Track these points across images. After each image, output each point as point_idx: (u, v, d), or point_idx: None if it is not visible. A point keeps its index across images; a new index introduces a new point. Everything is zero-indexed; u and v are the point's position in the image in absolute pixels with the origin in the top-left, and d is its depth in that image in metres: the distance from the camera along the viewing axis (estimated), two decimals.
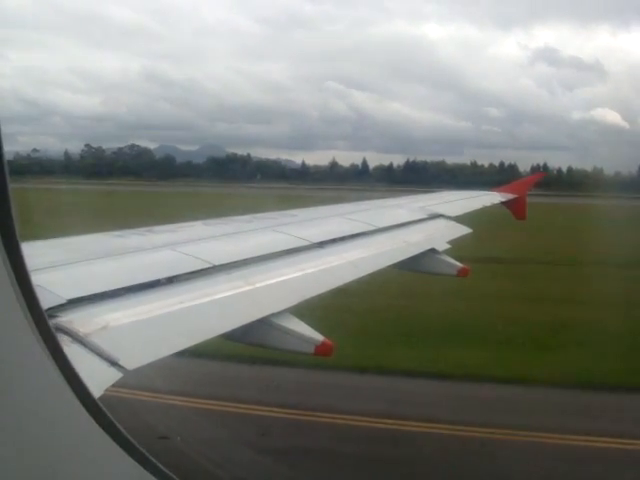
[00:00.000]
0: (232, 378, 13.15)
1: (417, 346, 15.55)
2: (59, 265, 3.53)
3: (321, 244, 5.51)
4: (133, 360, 2.81)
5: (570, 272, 27.10)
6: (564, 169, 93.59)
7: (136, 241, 4.57)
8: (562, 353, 15.38)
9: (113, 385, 2.62)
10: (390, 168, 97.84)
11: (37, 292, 1.89)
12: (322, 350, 4.01)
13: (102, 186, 77.35)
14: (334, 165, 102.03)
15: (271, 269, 4.54)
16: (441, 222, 8.62)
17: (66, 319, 2.83)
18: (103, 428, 1.95)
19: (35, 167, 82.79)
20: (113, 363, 2.69)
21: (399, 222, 7.63)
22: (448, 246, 7.53)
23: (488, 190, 14.17)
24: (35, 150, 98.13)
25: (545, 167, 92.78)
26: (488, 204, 12.08)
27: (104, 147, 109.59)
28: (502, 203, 13.13)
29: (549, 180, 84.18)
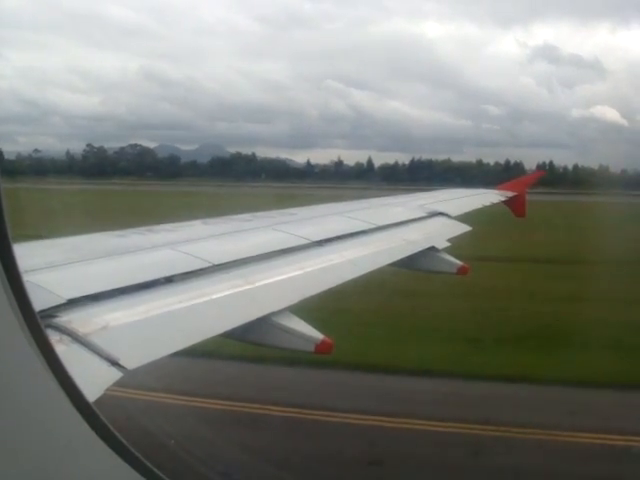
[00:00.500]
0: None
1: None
2: (58, 265, 3.53)
3: (320, 242, 5.51)
4: (133, 360, 2.81)
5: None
6: (566, 167, 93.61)
7: (136, 240, 4.57)
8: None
9: (113, 385, 2.62)
10: (395, 166, 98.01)
11: (35, 292, 1.88)
12: (322, 348, 4.00)
13: (106, 186, 77.39)
14: (339, 164, 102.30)
15: (271, 268, 4.54)
16: (441, 220, 8.61)
17: (66, 319, 2.83)
18: (96, 431, 1.94)
19: (37, 167, 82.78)
20: (113, 363, 2.68)
21: (399, 220, 7.62)
22: (448, 244, 7.52)
23: (493, 188, 14.21)
24: (37, 150, 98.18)
25: (551, 165, 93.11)
26: (487, 202, 12.08)
27: (105, 147, 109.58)
28: (502, 201, 13.14)
29: (555, 178, 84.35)
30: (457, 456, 10.27)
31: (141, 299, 3.38)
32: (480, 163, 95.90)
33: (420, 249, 6.84)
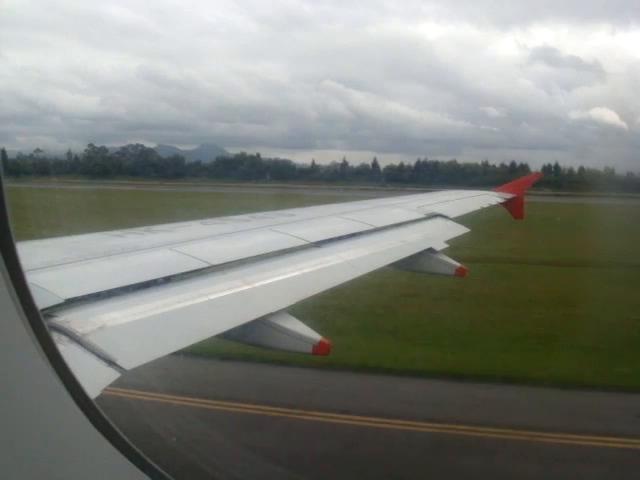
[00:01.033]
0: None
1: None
2: (57, 265, 3.53)
3: (318, 244, 5.52)
4: (131, 360, 2.81)
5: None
6: (572, 168, 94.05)
7: (134, 241, 4.57)
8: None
9: (110, 385, 2.62)
10: (398, 167, 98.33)
11: (33, 292, 1.89)
12: (320, 350, 4.01)
13: (111, 186, 77.34)
14: (344, 165, 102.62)
15: (269, 269, 4.55)
16: (439, 222, 8.62)
17: (64, 319, 2.83)
18: (98, 429, 1.95)
19: (40, 167, 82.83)
20: (111, 363, 2.69)
21: (397, 222, 7.63)
22: (446, 246, 7.53)
23: (492, 190, 14.23)
24: (38, 150, 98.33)
25: (557, 167, 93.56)
26: (485, 204, 12.09)
27: (105, 147, 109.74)
28: (500, 203, 13.14)
29: (561, 180, 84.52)
30: None
31: (139, 299, 3.39)
32: (486, 165, 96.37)
33: (418, 250, 6.85)
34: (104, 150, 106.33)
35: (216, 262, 4.22)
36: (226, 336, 3.68)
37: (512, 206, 13.71)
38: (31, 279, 2.63)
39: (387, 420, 11.22)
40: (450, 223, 8.78)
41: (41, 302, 2.76)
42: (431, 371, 13.86)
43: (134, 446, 2.05)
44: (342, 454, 10.05)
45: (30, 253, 3.71)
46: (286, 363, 12.54)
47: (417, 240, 7.20)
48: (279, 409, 11.52)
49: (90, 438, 1.94)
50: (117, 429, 2.01)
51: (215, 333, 3.49)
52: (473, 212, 10.74)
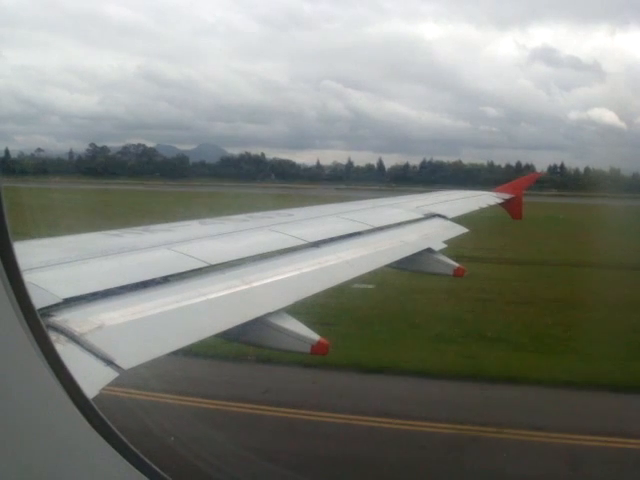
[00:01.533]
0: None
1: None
2: (55, 264, 3.53)
3: (317, 243, 5.52)
4: (129, 359, 2.81)
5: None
6: (578, 169, 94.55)
7: (132, 240, 4.57)
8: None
9: (109, 384, 2.62)
10: (405, 168, 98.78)
11: (32, 291, 1.88)
12: (318, 349, 4.01)
13: (114, 185, 77.23)
14: (349, 165, 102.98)
15: (267, 268, 4.54)
16: (437, 222, 8.62)
17: (62, 318, 2.83)
18: (96, 429, 1.94)
19: (41, 166, 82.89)
20: (109, 363, 2.69)
21: (395, 222, 7.63)
22: (444, 246, 7.54)
23: (491, 190, 14.24)
24: (39, 149, 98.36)
25: (562, 167, 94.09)
26: (484, 204, 12.10)
27: (107, 146, 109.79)
28: (498, 203, 13.16)
29: (567, 181, 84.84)
30: None
31: (137, 299, 3.38)
32: (491, 165, 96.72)
33: (417, 250, 6.86)
34: (106, 150, 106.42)
35: (215, 262, 4.22)
36: (224, 336, 3.69)
37: (510, 206, 13.73)
38: (30, 278, 2.64)
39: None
40: (448, 223, 8.78)
41: (39, 301, 2.76)
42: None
43: (132, 446, 2.05)
44: None
45: (27, 252, 3.70)
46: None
47: (415, 240, 7.21)
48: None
49: (87, 438, 1.93)
50: (114, 429, 2.00)
51: (213, 333, 3.49)
52: (472, 212, 10.75)
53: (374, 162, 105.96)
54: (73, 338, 2.71)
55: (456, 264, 7.18)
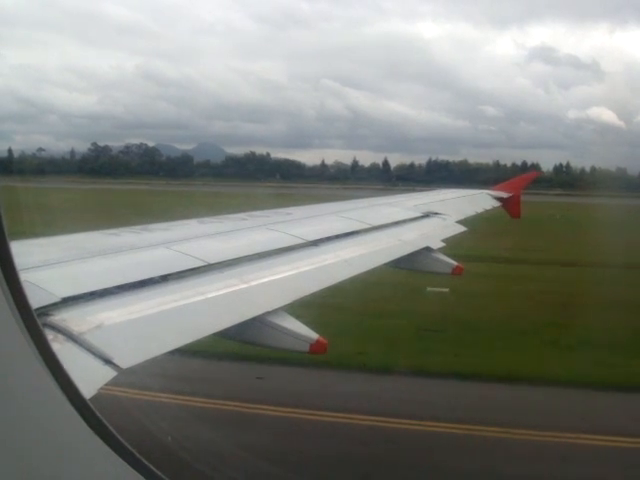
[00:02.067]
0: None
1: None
2: (54, 263, 3.52)
3: (315, 242, 5.51)
4: (127, 359, 2.81)
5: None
6: (583, 168, 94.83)
7: (131, 239, 4.56)
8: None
9: (107, 383, 2.62)
10: (410, 167, 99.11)
11: (30, 290, 1.88)
12: (317, 348, 4.01)
13: (117, 185, 77.00)
14: (355, 165, 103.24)
15: (265, 267, 4.54)
16: (436, 220, 8.63)
17: (60, 317, 2.82)
18: (93, 428, 1.94)
19: (43, 166, 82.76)
20: (107, 362, 2.68)
21: (394, 220, 7.63)
22: (443, 244, 7.54)
23: (489, 189, 14.24)
24: (41, 149, 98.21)
25: (568, 166, 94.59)
26: (482, 203, 12.11)
27: (109, 146, 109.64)
28: (497, 201, 13.16)
29: (572, 180, 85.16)
30: None
31: (136, 298, 3.38)
32: (497, 164, 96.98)
33: (415, 249, 6.86)
34: (108, 149, 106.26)
35: (213, 261, 4.22)
36: (223, 335, 3.68)
37: (509, 205, 13.74)
38: (28, 277, 2.63)
39: None
40: (447, 222, 8.79)
41: (38, 301, 2.76)
42: None
43: (128, 446, 2.04)
44: None
45: (26, 251, 3.69)
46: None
47: (414, 239, 7.21)
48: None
49: (84, 438, 1.92)
50: (111, 428, 1.99)
51: (212, 332, 3.48)
52: (470, 211, 10.75)
53: (379, 161, 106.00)
54: (71, 337, 2.71)
55: (455, 262, 7.18)
